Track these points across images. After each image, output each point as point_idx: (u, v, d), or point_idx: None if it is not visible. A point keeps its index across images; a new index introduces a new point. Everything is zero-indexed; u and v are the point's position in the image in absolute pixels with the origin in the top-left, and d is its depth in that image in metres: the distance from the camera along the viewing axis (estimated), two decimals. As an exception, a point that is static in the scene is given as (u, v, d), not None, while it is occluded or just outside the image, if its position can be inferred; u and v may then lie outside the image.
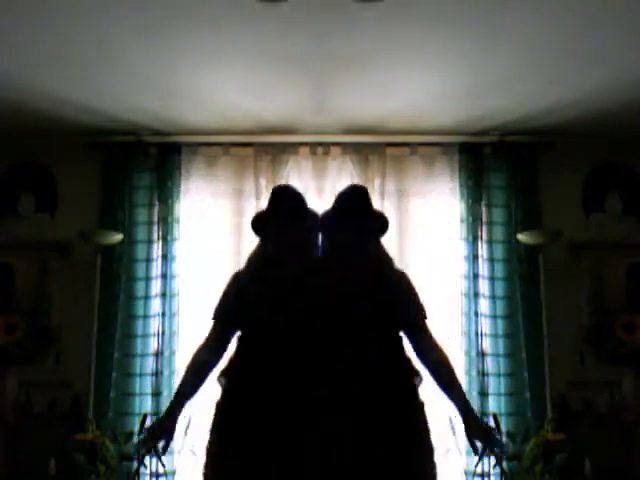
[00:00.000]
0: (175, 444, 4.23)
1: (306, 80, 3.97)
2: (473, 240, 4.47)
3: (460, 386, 2.63)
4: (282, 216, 2.72)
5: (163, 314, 4.38)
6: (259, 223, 2.79)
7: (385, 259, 2.75)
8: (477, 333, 4.36)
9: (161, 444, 2.68)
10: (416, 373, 2.64)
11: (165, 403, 4.27)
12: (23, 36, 3.47)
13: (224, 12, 3.28)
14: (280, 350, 2.57)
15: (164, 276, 4.42)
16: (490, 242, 4.48)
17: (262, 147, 4.54)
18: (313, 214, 2.80)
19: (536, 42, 3.55)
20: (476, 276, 4.42)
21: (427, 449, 2.55)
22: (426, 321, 2.65)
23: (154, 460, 4.16)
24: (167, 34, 3.49)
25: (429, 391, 2.67)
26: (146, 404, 4.29)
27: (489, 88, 4.03)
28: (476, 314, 4.38)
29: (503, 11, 3.29)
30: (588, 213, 4.60)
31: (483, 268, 4.45)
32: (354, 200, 2.73)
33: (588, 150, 4.60)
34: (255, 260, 2.78)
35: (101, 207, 4.52)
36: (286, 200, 2.77)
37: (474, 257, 4.44)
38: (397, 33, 3.47)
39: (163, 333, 4.36)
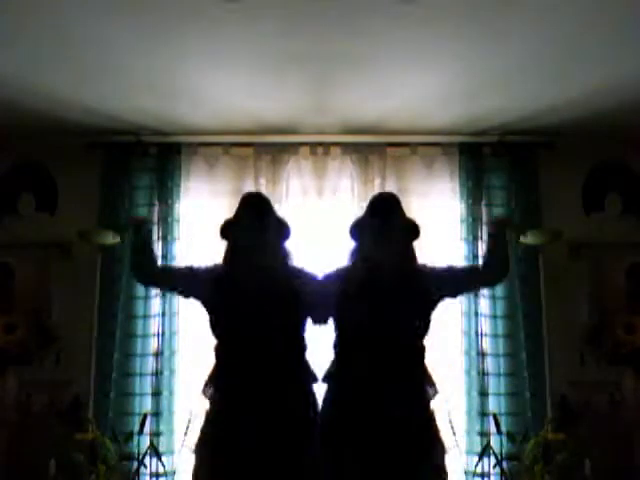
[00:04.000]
0: (175, 444, 4.24)
1: (306, 80, 3.97)
2: (473, 240, 4.46)
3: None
4: (251, 223, 2.85)
5: (163, 314, 4.37)
6: (227, 229, 2.96)
7: (420, 265, 2.99)
8: (477, 333, 4.36)
9: None
10: (431, 384, 2.85)
11: (165, 403, 4.29)
12: (23, 36, 3.47)
13: (224, 12, 3.28)
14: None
15: (164, 276, 4.41)
16: (490, 242, 4.48)
17: (262, 147, 4.54)
18: (281, 221, 3.02)
19: (536, 42, 3.55)
20: (476, 276, 4.42)
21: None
22: None
23: (154, 460, 4.16)
24: (167, 34, 3.49)
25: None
26: (146, 404, 4.29)
27: (489, 88, 4.03)
28: (476, 314, 4.38)
29: (503, 11, 3.28)
30: (588, 213, 4.60)
31: (483, 268, 4.45)
32: (388, 208, 2.95)
33: (588, 150, 4.59)
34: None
35: (101, 207, 4.52)
36: (255, 207, 2.90)
37: (474, 257, 4.44)
38: (397, 33, 3.47)
39: (163, 333, 4.35)
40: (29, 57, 3.66)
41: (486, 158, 4.58)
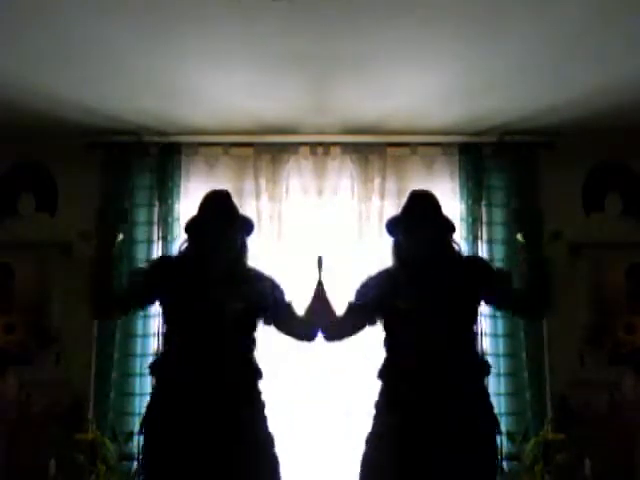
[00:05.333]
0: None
1: (306, 80, 3.97)
2: (473, 240, 4.46)
3: None
4: (213, 220, 2.90)
5: (163, 314, 4.37)
6: (191, 225, 2.96)
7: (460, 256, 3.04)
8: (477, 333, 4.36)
9: None
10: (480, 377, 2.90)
11: (165, 403, 4.28)
12: (23, 36, 3.47)
13: (224, 12, 3.28)
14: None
15: (164, 276, 4.41)
16: (490, 242, 4.48)
17: (262, 147, 4.54)
18: (244, 217, 3.05)
19: (536, 42, 3.55)
20: (476, 276, 4.42)
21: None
22: None
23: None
24: (167, 34, 3.49)
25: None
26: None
27: (489, 88, 4.03)
28: (476, 314, 4.38)
29: (503, 11, 3.29)
30: (588, 213, 4.60)
31: (483, 268, 4.45)
32: (426, 205, 2.97)
33: (588, 150, 4.59)
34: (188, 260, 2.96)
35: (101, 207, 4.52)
36: (217, 205, 2.91)
37: (474, 257, 4.44)
38: (397, 33, 3.47)
39: (163, 333, 4.36)
40: (29, 57, 3.66)
41: (486, 158, 4.58)
